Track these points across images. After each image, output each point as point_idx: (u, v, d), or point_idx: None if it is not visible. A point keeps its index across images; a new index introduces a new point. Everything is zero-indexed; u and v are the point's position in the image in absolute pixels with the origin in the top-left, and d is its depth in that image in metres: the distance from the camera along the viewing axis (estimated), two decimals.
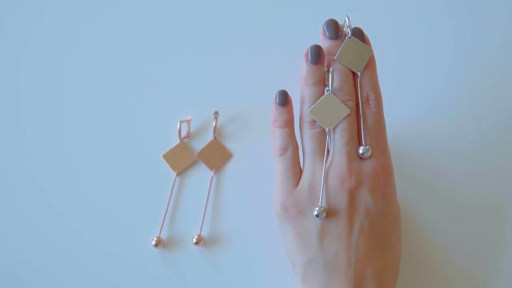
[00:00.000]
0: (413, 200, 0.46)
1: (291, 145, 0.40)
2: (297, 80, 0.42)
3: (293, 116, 0.41)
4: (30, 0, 0.54)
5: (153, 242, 0.45)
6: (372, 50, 0.40)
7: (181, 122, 0.48)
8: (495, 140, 0.48)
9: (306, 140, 0.39)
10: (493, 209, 0.45)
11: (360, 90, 0.39)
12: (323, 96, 0.39)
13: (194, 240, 0.45)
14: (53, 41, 0.53)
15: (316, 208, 0.37)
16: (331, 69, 0.39)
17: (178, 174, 0.48)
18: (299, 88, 0.41)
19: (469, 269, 0.44)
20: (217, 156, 0.48)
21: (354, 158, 0.38)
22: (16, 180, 0.48)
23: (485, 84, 0.49)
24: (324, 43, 0.40)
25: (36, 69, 0.52)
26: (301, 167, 0.40)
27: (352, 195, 0.37)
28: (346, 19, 0.40)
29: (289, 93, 0.42)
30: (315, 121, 0.39)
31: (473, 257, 0.44)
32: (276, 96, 0.41)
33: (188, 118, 0.49)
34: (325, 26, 0.40)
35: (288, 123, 0.40)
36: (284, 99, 0.41)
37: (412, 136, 0.48)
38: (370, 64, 0.40)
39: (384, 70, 0.43)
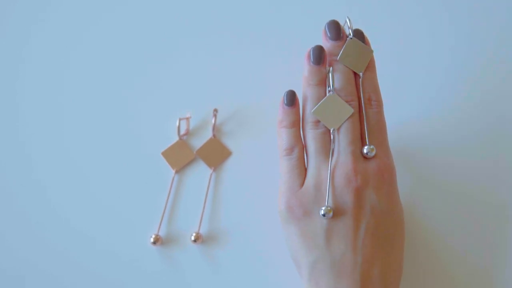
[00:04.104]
0: (416, 200, 0.46)
1: (297, 145, 0.40)
2: (297, 78, 0.42)
3: (300, 117, 0.41)
4: None
5: (151, 240, 0.45)
6: (372, 51, 0.40)
7: (180, 119, 0.47)
8: (497, 138, 0.48)
9: (309, 140, 0.40)
10: (497, 208, 0.46)
11: (362, 91, 0.40)
12: (326, 97, 0.39)
13: (193, 238, 0.45)
14: (55, 39, 0.52)
15: (323, 208, 0.37)
16: (332, 69, 0.40)
17: (177, 172, 0.48)
18: (300, 88, 0.41)
19: (472, 267, 0.44)
20: (216, 153, 0.48)
21: (359, 157, 0.38)
22: (15, 175, 0.48)
23: (486, 83, 0.50)
24: (326, 44, 0.40)
25: (37, 67, 0.51)
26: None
27: (358, 195, 0.37)
28: (347, 20, 0.40)
29: None
30: (319, 122, 0.39)
31: (475, 255, 0.45)
32: (284, 97, 0.41)
33: (187, 115, 0.49)
34: (326, 27, 0.40)
35: (295, 124, 0.40)
36: (292, 99, 0.41)
37: (414, 137, 0.48)
38: (370, 66, 0.40)
39: (385, 70, 0.43)
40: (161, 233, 0.46)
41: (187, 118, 0.48)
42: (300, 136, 0.41)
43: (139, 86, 0.50)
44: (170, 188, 0.47)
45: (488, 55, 0.51)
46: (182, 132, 0.48)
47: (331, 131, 0.39)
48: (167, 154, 0.48)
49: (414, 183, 0.47)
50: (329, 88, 0.40)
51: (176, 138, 0.48)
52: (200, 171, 0.48)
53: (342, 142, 0.39)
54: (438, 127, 0.48)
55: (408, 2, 0.53)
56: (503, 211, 0.46)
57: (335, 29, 0.40)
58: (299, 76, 0.42)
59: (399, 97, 0.49)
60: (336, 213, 0.37)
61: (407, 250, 0.43)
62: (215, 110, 0.49)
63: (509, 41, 0.51)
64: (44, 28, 0.53)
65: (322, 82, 0.40)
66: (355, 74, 0.40)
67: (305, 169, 0.40)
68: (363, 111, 0.39)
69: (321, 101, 0.39)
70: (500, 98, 0.49)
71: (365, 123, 0.39)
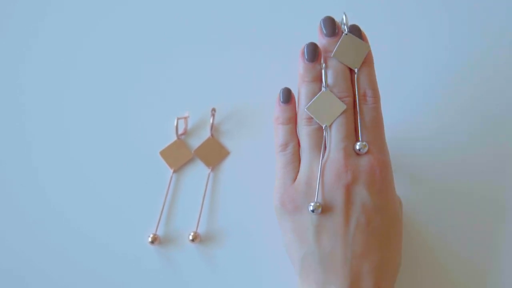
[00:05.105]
0: (412, 198, 0.46)
1: (292, 141, 0.40)
2: (295, 77, 0.42)
3: (296, 114, 0.41)
4: (33, 1, 0.54)
5: (149, 239, 0.45)
6: (369, 46, 0.40)
7: (178, 119, 0.47)
8: (495, 134, 0.48)
9: (303, 137, 0.39)
10: (492, 204, 0.45)
11: (358, 87, 0.39)
12: (319, 93, 0.39)
13: (190, 237, 0.45)
14: (56, 39, 0.53)
15: (312, 204, 0.37)
16: (325, 65, 0.40)
17: (175, 171, 0.48)
18: (296, 85, 0.41)
19: (469, 265, 0.44)
20: (214, 153, 0.48)
21: (351, 153, 0.38)
22: (15, 174, 0.48)
23: (483, 82, 0.49)
24: (321, 40, 0.40)
25: (37, 66, 0.52)
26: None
27: (348, 191, 0.37)
28: (344, 16, 0.40)
29: None
30: (312, 118, 0.39)
31: (473, 253, 0.44)
32: (280, 94, 0.41)
33: (185, 115, 0.49)
34: (322, 23, 0.40)
35: (291, 120, 0.41)
36: (287, 96, 0.41)
37: (411, 134, 0.48)
38: (367, 61, 0.40)
39: (382, 68, 0.43)
40: (159, 233, 0.46)
41: (185, 118, 0.48)
42: (296, 133, 0.41)
43: (137, 86, 0.51)
44: (168, 188, 0.47)
45: (487, 52, 0.50)
46: (180, 131, 0.49)
47: (323, 128, 0.39)
48: (165, 153, 0.48)
49: (412, 181, 0.46)
50: (324, 85, 0.39)
51: (174, 138, 0.48)
52: (198, 171, 0.48)
53: (334, 139, 0.38)
54: (437, 125, 0.48)
55: (406, 1, 0.53)
56: (500, 208, 0.45)
57: (331, 25, 0.40)
58: (297, 75, 0.41)
59: (397, 95, 0.49)
60: (325, 209, 0.37)
61: (405, 249, 0.42)
62: (213, 110, 0.49)
63: (508, 38, 0.51)
64: (45, 27, 0.53)
65: (317, 79, 0.40)
66: (352, 70, 0.40)
67: (299, 165, 0.40)
68: (358, 107, 0.39)
69: (314, 98, 0.39)
70: (499, 96, 0.49)
71: (359, 119, 0.39)
